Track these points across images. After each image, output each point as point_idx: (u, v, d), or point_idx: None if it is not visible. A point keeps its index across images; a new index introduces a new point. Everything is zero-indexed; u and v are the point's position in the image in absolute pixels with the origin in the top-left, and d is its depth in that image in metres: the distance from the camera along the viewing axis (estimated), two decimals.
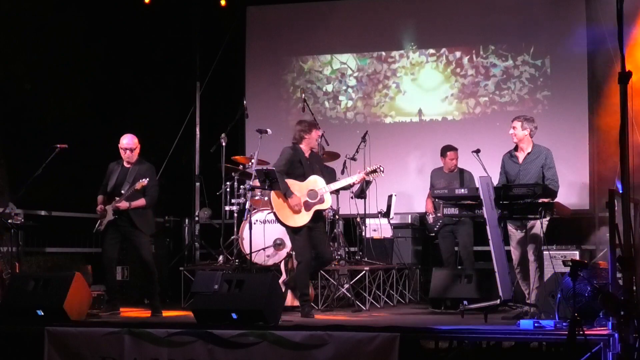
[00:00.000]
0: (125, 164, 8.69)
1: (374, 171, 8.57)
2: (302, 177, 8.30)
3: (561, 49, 11.36)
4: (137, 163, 8.69)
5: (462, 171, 10.08)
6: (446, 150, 10.15)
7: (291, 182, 8.24)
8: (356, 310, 9.09)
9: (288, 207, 8.19)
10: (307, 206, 8.22)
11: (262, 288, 7.23)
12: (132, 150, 8.63)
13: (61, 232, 11.21)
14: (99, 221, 8.62)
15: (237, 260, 9.61)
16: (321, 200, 8.29)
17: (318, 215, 8.35)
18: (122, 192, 8.48)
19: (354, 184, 8.74)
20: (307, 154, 8.42)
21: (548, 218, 7.85)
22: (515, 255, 8.06)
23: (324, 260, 8.44)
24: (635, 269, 6.18)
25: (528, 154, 8.11)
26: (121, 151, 8.68)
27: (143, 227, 8.59)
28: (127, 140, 8.65)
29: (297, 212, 8.19)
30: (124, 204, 8.45)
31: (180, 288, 9.86)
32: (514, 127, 8.12)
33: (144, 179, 8.43)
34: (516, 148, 8.22)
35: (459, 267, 10.12)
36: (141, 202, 8.53)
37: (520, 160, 8.15)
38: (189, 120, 12.28)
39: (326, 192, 8.31)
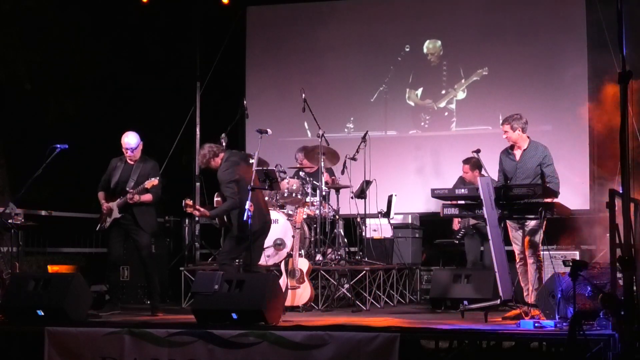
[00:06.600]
0: (128, 160, 8.64)
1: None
2: None
3: (561, 49, 11.35)
4: (141, 160, 8.64)
5: None
6: None
7: None
8: (356, 310, 9.09)
9: None
10: None
11: (262, 288, 7.22)
12: (133, 149, 8.57)
13: (61, 232, 11.22)
14: (103, 219, 8.59)
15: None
16: None
17: None
18: (127, 189, 8.42)
19: None
20: None
21: (545, 218, 7.83)
22: (517, 250, 8.05)
23: None
24: (635, 269, 6.18)
25: (524, 150, 8.10)
26: (123, 150, 8.62)
27: (146, 225, 8.57)
28: (129, 140, 8.57)
29: None
30: (136, 197, 8.39)
31: (180, 288, 9.86)
32: (505, 132, 8.11)
33: (154, 178, 8.40)
34: (512, 146, 8.20)
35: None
36: (148, 197, 8.50)
37: (517, 157, 8.12)
38: (189, 120, 12.27)
39: None
